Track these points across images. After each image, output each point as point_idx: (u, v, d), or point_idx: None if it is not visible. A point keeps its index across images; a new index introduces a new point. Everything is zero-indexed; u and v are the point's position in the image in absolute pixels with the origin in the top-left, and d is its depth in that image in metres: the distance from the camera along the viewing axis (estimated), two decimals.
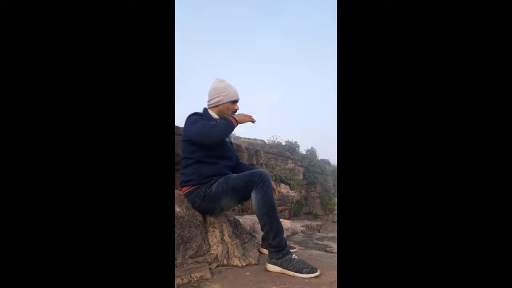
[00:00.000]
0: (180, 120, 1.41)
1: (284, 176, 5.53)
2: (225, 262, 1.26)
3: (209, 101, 1.42)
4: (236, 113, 1.44)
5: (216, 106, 1.40)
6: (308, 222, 3.17)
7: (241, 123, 1.36)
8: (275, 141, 7.44)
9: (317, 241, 2.00)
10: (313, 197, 6.92)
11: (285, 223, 2.42)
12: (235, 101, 1.42)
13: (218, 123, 1.29)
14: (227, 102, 1.39)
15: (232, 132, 1.55)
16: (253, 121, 1.39)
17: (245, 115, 1.37)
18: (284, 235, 1.23)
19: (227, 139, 1.41)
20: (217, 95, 1.39)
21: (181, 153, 1.39)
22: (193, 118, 1.33)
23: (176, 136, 1.64)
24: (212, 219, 1.37)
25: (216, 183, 1.28)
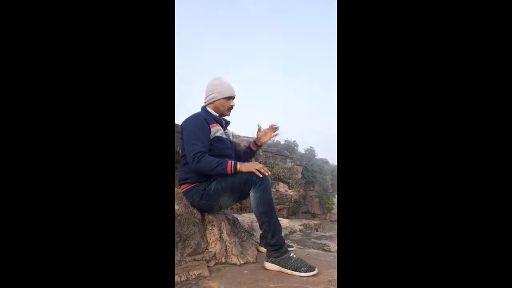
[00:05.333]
0: (180, 118, 1.41)
1: (282, 175, 5.54)
2: (223, 260, 1.26)
3: (205, 98, 1.45)
4: (232, 109, 1.43)
5: (211, 102, 1.42)
6: (306, 221, 3.18)
7: (244, 171, 1.24)
8: (274, 140, 7.43)
9: (315, 240, 2.01)
10: (311, 196, 6.92)
11: (283, 222, 2.43)
12: (230, 97, 1.42)
13: (213, 161, 1.23)
14: (221, 99, 1.41)
15: (230, 132, 1.55)
16: (266, 173, 1.25)
17: (254, 165, 1.26)
18: (282, 234, 1.24)
19: (225, 137, 1.41)
20: (211, 92, 1.42)
21: (180, 151, 1.40)
22: (199, 122, 1.32)
23: (176, 134, 1.64)
24: (210, 217, 1.37)
25: (215, 181, 1.29)
